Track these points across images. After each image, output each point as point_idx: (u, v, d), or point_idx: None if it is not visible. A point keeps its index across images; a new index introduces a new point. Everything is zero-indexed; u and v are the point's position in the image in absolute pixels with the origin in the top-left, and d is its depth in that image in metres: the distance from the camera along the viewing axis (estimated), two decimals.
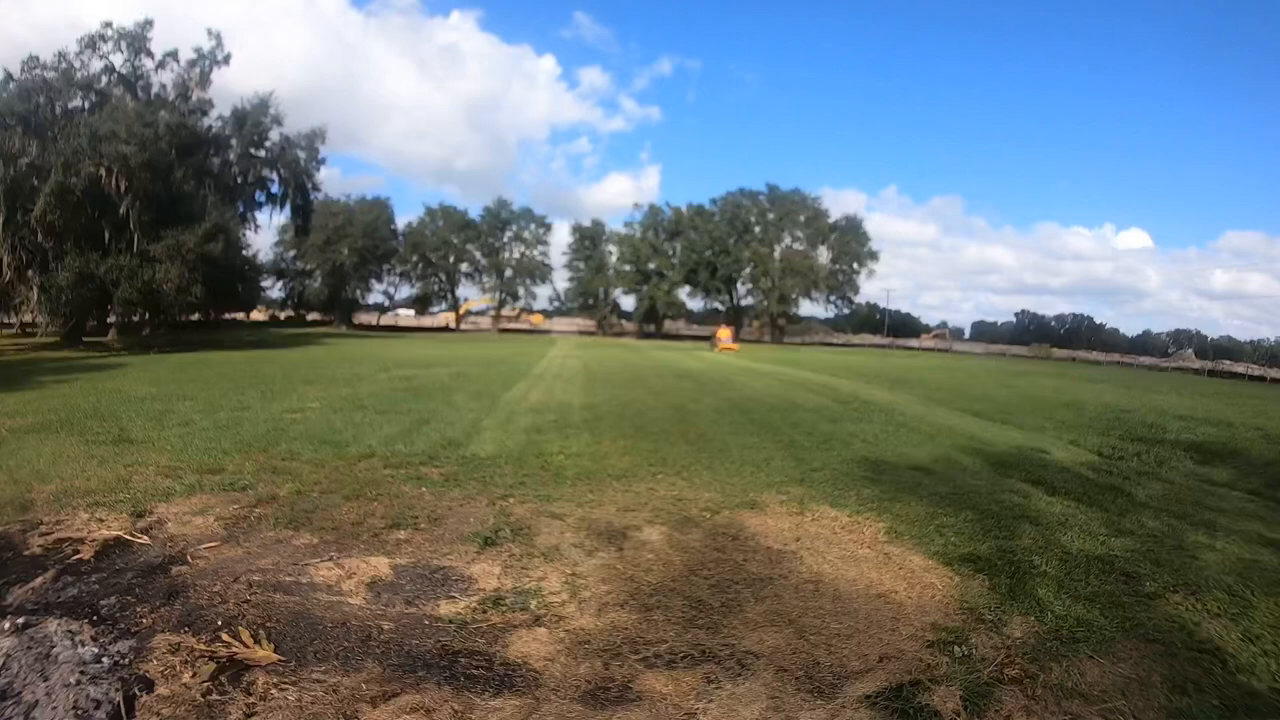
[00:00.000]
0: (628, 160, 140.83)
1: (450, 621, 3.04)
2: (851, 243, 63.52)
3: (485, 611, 3.15)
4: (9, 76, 25.17)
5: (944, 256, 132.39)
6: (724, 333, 43.34)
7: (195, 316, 29.66)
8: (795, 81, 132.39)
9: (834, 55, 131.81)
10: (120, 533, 3.99)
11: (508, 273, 68.30)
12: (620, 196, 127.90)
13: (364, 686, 2.47)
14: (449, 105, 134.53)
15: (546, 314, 77.12)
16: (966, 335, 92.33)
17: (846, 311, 71.95)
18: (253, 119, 31.57)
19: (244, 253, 30.96)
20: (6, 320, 34.15)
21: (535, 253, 68.65)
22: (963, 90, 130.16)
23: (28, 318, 32.26)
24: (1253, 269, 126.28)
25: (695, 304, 70.06)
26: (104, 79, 27.13)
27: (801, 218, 63.37)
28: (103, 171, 22.91)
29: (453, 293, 69.82)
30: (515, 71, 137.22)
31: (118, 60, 27.45)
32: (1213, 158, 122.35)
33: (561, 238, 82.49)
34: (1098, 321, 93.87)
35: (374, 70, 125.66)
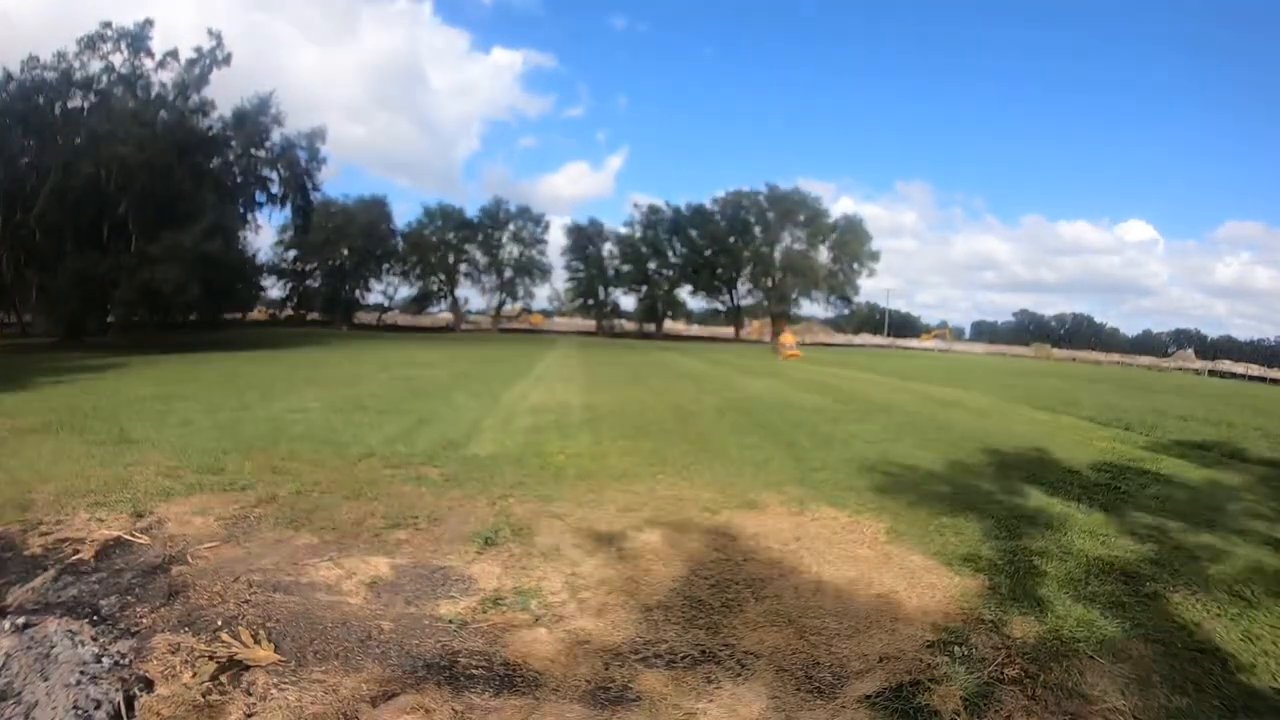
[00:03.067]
0: (588, 145, 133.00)
1: (450, 621, 3.04)
2: (851, 243, 63.45)
3: (485, 611, 3.15)
4: (9, 76, 25.16)
5: (932, 250, 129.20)
6: (789, 338, 34.11)
7: (194, 316, 29.63)
8: (756, 63, 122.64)
9: (793, 32, 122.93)
10: (120, 533, 3.99)
11: (507, 273, 68.22)
12: (576, 182, 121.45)
13: (364, 686, 2.47)
14: (369, 84, 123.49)
15: (546, 314, 77.02)
16: (967, 335, 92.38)
17: (846, 311, 71.93)
18: (252, 119, 31.53)
19: (244, 252, 30.96)
20: (6, 320, 34.16)
21: (533, 252, 68.59)
22: (937, 76, 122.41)
23: (28, 317, 32.34)
24: (1257, 263, 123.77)
25: (696, 304, 70.14)
26: (104, 79, 27.08)
27: (801, 217, 63.32)
28: (101, 171, 22.90)
29: (452, 293, 69.79)
30: (437, 45, 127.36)
31: (117, 60, 27.43)
32: (1209, 147, 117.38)
33: (554, 236, 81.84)
34: (1098, 321, 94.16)
35: (284, 46, 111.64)
